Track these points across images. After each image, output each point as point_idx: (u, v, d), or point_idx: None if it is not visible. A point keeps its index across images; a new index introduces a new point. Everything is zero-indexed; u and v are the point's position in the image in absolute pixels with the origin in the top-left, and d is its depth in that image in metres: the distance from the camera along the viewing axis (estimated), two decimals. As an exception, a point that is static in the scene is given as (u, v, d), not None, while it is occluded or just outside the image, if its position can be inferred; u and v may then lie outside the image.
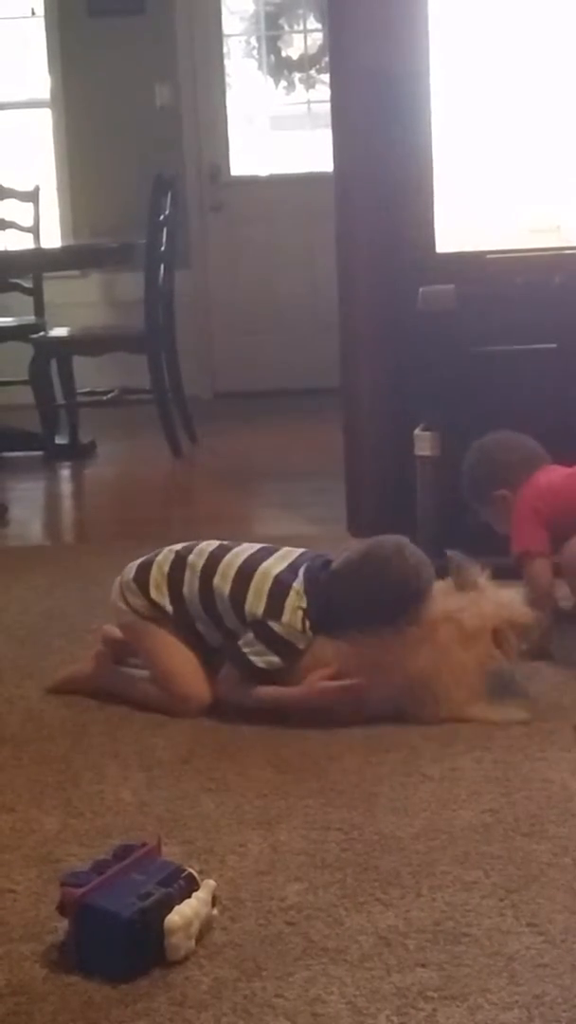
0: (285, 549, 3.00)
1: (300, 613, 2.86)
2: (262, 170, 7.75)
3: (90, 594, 3.93)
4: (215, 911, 2.09)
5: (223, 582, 2.92)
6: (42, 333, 6.42)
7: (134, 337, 6.10)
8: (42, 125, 7.80)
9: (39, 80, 7.78)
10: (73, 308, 7.12)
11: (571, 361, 3.81)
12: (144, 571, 3.03)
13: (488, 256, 3.88)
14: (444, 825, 2.41)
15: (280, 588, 2.88)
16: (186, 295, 6.82)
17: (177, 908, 2.01)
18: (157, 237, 6.08)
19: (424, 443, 3.91)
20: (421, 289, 3.85)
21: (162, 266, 6.16)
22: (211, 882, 2.11)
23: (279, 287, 7.55)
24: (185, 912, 2.01)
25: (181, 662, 2.97)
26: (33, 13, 7.73)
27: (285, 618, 2.86)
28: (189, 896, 2.05)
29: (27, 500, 5.55)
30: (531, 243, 3.88)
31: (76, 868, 2.15)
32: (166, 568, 3.00)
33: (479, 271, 3.86)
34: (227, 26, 7.71)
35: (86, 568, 4.25)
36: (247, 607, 2.88)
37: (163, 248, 6.13)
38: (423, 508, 3.90)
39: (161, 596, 2.99)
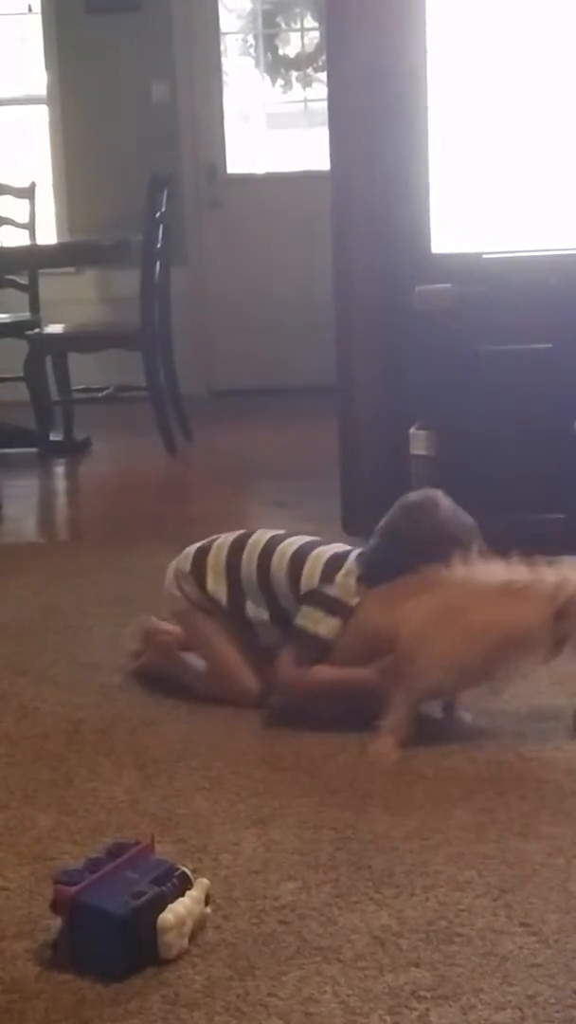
0: (334, 543, 3.04)
1: (352, 578, 2.88)
2: (259, 168, 7.75)
3: (84, 591, 3.94)
4: (208, 910, 2.09)
5: (280, 562, 2.95)
6: (37, 330, 6.41)
7: (130, 334, 6.10)
8: (39, 121, 7.80)
9: (36, 76, 7.77)
10: (69, 305, 7.12)
11: (566, 361, 3.81)
12: (200, 560, 3.05)
13: (484, 256, 3.88)
14: (438, 824, 2.41)
15: (333, 562, 2.92)
16: (182, 292, 6.82)
17: (170, 906, 2.01)
18: (153, 234, 6.07)
19: (420, 442, 3.92)
20: (417, 288, 3.85)
21: (158, 263, 6.15)
22: (204, 881, 2.11)
23: (275, 285, 7.55)
24: (178, 910, 2.01)
25: (236, 654, 3.01)
26: (30, 10, 7.72)
27: (338, 581, 2.88)
28: (182, 895, 2.05)
29: (21, 497, 5.55)
30: (527, 243, 3.88)
31: (69, 866, 2.15)
32: (223, 555, 3.03)
33: (475, 271, 3.86)
34: (224, 24, 7.70)
35: (81, 565, 4.25)
36: (303, 582, 2.91)
37: (159, 245, 6.13)
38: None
39: (218, 584, 3.01)
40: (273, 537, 3.03)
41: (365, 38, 4.03)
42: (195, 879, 2.10)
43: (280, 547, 2.98)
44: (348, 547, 3.02)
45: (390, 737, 2.73)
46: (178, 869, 2.09)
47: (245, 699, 2.98)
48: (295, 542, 3.01)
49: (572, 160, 3.84)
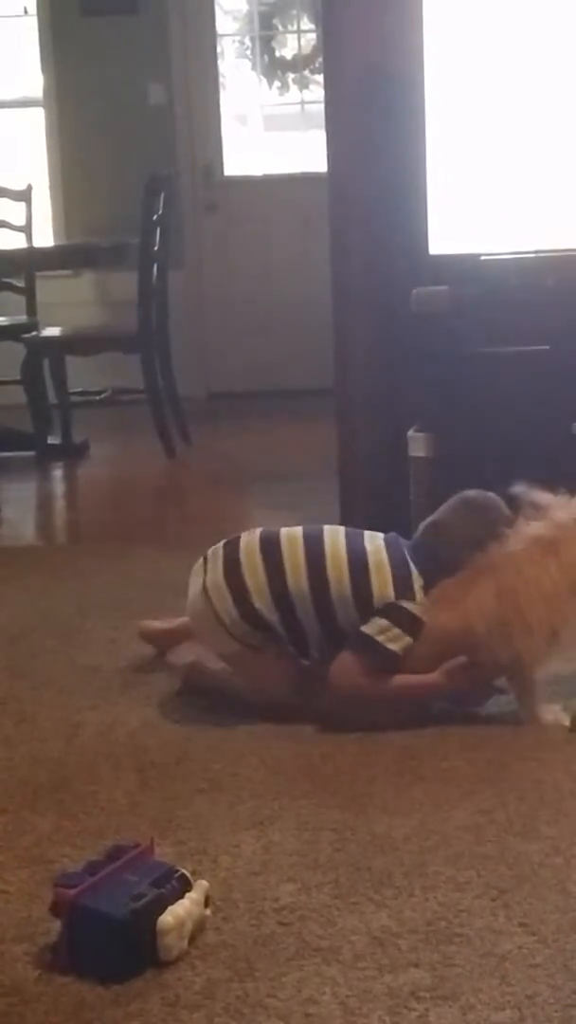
0: (367, 532, 2.98)
1: (423, 591, 2.86)
2: (256, 170, 7.75)
3: (83, 595, 3.94)
4: (208, 911, 2.10)
5: (339, 582, 2.86)
6: (35, 333, 6.42)
7: (127, 337, 6.10)
8: (35, 124, 7.80)
9: (32, 79, 7.78)
10: (66, 308, 7.12)
11: (564, 363, 3.81)
12: (241, 590, 2.90)
13: (482, 258, 3.88)
14: (437, 825, 2.42)
15: (403, 572, 2.86)
16: (180, 295, 6.83)
17: (170, 909, 2.01)
18: (151, 237, 6.08)
19: (418, 444, 3.92)
20: (415, 290, 3.85)
21: (155, 266, 6.16)
22: (204, 883, 2.11)
23: (273, 287, 7.55)
24: (178, 912, 2.02)
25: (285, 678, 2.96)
26: (26, 12, 7.73)
27: (418, 596, 2.84)
28: (182, 897, 2.05)
29: (19, 500, 5.56)
30: (525, 245, 3.89)
31: (69, 869, 2.16)
32: (261, 576, 2.90)
33: (473, 273, 3.87)
34: (220, 26, 7.71)
35: (79, 569, 4.25)
36: (375, 596, 2.84)
37: (156, 248, 6.14)
38: (417, 509, 3.90)
39: (262, 599, 2.89)
40: (309, 551, 2.90)
41: (362, 40, 4.03)
42: (194, 881, 2.10)
43: (329, 561, 2.88)
44: (379, 537, 2.95)
45: (544, 710, 2.80)
46: (177, 871, 2.10)
47: (283, 703, 2.93)
48: (337, 549, 2.90)
49: (569, 161, 3.84)
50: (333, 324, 4.31)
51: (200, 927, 2.07)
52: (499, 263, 3.88)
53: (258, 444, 6.35)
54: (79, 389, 6.55)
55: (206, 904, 2.09)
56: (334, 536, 2.95)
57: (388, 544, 2.94)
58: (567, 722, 2.80)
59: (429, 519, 3.02)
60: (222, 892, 2.20)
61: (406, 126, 3.89)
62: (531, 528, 2.82)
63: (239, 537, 3.00)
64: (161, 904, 2.01)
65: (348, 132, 4.13)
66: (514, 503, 2.93)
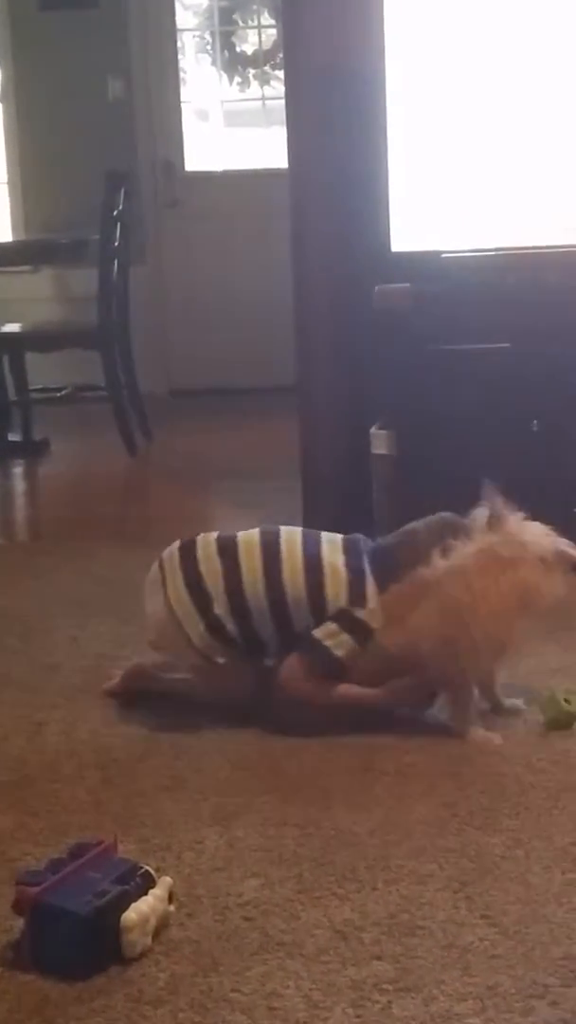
0: (326, 535, 2.94)
1: (377, 600, 2.84)
2: (217, 166, 7.74)
3: (44, 593, 3.93)
4: (172, 908, 2.10)
5: (295, 586, 2.84)
6: (-6, 329, 6.39)
7: (88, 333, 6.08)
8: (-6, 120, 7.77)
9: (-8, 75, 7.75)
10: (25, 304, 7.09)
11: (525, 360, 3.83)
12: (204, 603, 2.88)
13: (443, 255, 3.90)
14: (399, 819, 2.43)
15: (357, 578, 2.84)
16: (141, 291, 6.81)
17: (133, 905, 2.02)
18: (111, 232, 6.06)
19: (381, 441, 3.93)
20: (376, 288, 3.86)
21: (116, 262, 6.15)
22: (167, 879, 2.12)
23: (234, 283, 7.55)
24: (141, 909, 2.02)
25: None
26: (-16, 7, 7.70)
27: (370, 604, 2.83)
28: (145, 893, 2.05)
29: (-19, 498, 5.54)
30: (486, 243, 3.91)
31: (32, 867, 2.16)
32: (220, 585, 2.87)
33: (434, 270, 3.88)
34: (180, 21, 7.70)
35: (40, 567, 4.24)
36: (328, 601, 2.83)
37: (117, 244, 6.12)
38: (380, 506, 3.92)
39: (224, 613, 2.87)
40: (266, 557, 2.87)
41: (323, 36, 4.04)
42: (158, 877, 2.10)
43: (286, 566, 2.86)
44: (338, 540, 2.92)
45: (475, 726, 2.79)
46: (141, 868, 2.10)
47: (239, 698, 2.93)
48: (294, 553, 2.87)
49: (529, 160, 3.86)
50: (295, 321, 4.31)
51: (164, 923, 2.07)
52: (460, 261, 3.90)
53: (220, 441, 6.35)
54: (39, 386, 6.53)
55: (170, 900, 2.10)
56: (291, 540, 2.92)
57: (346, 548, 2.91)
58: (498, 740, 2.76)
59: (402, 529, 2.99)
60: (186, 888, 2.20)
61: (367, 123, 3.89)
62: (482, 544, 2.80)
63: (194, 543, 2.94)
64: (124, 901, 2.01)
65: (309, 128, 4.14)
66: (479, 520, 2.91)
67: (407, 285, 3.86)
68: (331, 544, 2.91)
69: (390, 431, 3.92)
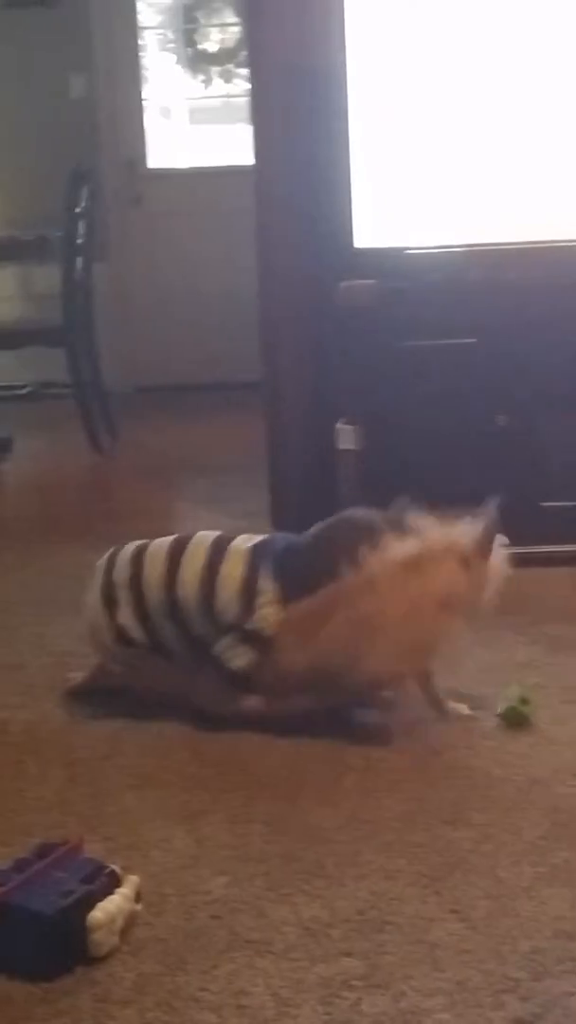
0: (234, 545, 2.90)
1: (271, 608, 2.81)
2: (180, 163, 7.73)
3: (8, 591, 3.91)
4: (139, 907, 2.09)
5: (188, 594, 2.84)
6: (-42, 327, 6.36)
7: (52, 331, 6.06)
8: (-43, 118, 7.73)
9: (-47, 72, 7.70)
10: (-11, 302, 7.07)
11: (489, 356, 3.84)
12: (112, 609, 2.91)
13: (407, 252, 3.90)
14: (367, 815, 2.42)
15: (249, 588, 2.82)
16: (105, 288, 6.80)
17: (100, 904, 2.00)
18: (74, 230, 6.04)
19: (346, 437, 3.93)
20: (341, 284, 3.86)
21: (80, 259, 6.12)
22: (134, 878, 2.10)
23: (199, 280, 7.54)
24: (108, 908, 2.00)
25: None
26: (-55, 4, 7.66)
27: (257, 615, 2.80)
28: (112, 892, 2.04)
29: (-55, 497, 5.51)
30: (450, 238, 3.91)
31: (-3, 866, 2.14)
32: (130, 604, 2.89)
33: (398, 266, 3.88)
34: (143, 18, 7.68)
35: (4, 565, 4.22)
36: (218, 611, 2.82)
37: (80, 241, 6.10)
38: (345, 502, 3.91)
39: (128, 622, 2.89)
40: (169, 563, 2.87)
41: (285, 34, 4.03)
42: (125, 876, 2.09)
43: (182, 573, 2.85)
44: (247, 546, 2.88)
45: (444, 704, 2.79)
46: (107, 867, 2.08)
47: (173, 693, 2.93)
48: (194, 560, 2.86)
49: (492, 155, 3.86)
50: (260, 318, 4.31)
51: (131, 922, 2.06)
52: (425, 257, 3.90)
53: (185, 438, 6.34)
54: (3, 383, 6.50)
55: (137, 899, 2.08)
56: (196, 549, 2.89)
57: (250, 557, 2.86)
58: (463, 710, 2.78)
59: (313, 531, 2.96)
60: (153, 887, 2.19)
61: (330, 119, 3.89)
62: (394, 550, 2.75)
63: (118, 550, 2.97)
64: (91, 900, 2.00)
65: (272, 125, 4.13)
66: (397, 524, 2.84)
67: (372, 281, 3.86)
68: (236, 554, 2.87)
69: (355, 426, 3.92)
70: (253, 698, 2.84)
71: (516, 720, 2.79)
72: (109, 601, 2.92)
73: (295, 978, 1.93)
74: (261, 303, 4.28)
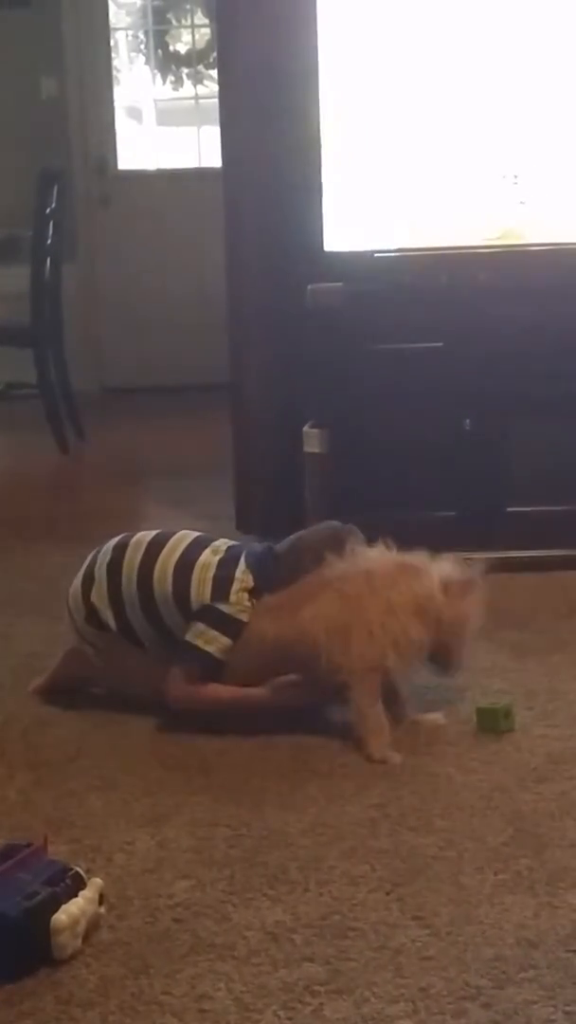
0: (213, 544, 2.94)
1: (245, 594, 2.84)
2: (150, 165, 7.72)
3: (-25, 591, 3.90)
4: (102, 909, 2.09)
5: (163, 581, 2.88)
6: None
7: (20, 331, 6.03)
8: None
9: None
10: (-43, 301, 7.02)
11: (456, 360, 3.85)
12: (87, 586, 2.95)
13: (376, 255, 3.90)
14: (331, 820, 2.42)
15: (224, 574, 2.86)
16: (73, 289, 6.77)
17: (63, 907, 2.00)
18: (43, 230, 6.02)
19: (313, 440, 3.93)
20: (309, 287, 3.86)
21: (48, 260, 6.10)
22: (98, 880, 2.10)
23: (168, 282, 7.52)
24: (71, 911, 2.00)
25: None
26: None
27: (233, 598, 2.83)
28: (76, 895, 2.04)
29: None
30: (418, 242, 3.92)
31: (-39, 868, 2.13)
32: (104, 587, 2.93)
33: (367, 270, 3.88)
34: (114, 20, 7.66)
35: (-29, 565, 4.20)
36: (192, 598, 2.85)
37: (50, 242, 6.08)
38: (312, 505, 3.92)
39: (103, 605, 2.92)
40: (146, 554, 2.92)
41: (256, 35, 4.03)
42: (89, 879, 2.09)
43: (157, 569, 2.89)
44: (226, 545, 2.94)
45: (378, 739, 2.72)
46: (71, 869, 2.08)
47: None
48: (172, 553, 2.91)
49: (462, 160, 3.87)
50: (228, 320, 4.30)
51: (94, 925, 2.06)
52: (393, 260, 3.91)
53: (152, 440, 6.32)
54: (-30, 384, 6.46)
55: (100, 902, 2.08)
56: (177, 543, 2.94)
57: (228, 549, 2.93)
58: (395, 755, 2.70)
59: (291, 537, 2.99)
60: (117, 890, 2.18)
61: (301, 122, 3.89)
62: (383, 553, 2.84)
63: (113, 540, 3.02)
64: (54, 903, 2.00)
65: (242, 128, 4.12)
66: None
67: (340, 284, 3.86)
68: (213, 549, 2.92)
69: (322, 429, 3.93)
70: (226, 688, 2.84)
71: (489, 725, 2.79)
72: (87, 582, 2.96)
73: (257, 983, 1.93)
74: (229, 305, 4.28)
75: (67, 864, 2.10)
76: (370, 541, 2.89)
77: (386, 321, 3.86)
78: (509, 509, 3.89)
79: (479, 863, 2.25)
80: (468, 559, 2.91)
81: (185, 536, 2.98)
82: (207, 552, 2.91)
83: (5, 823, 2.44)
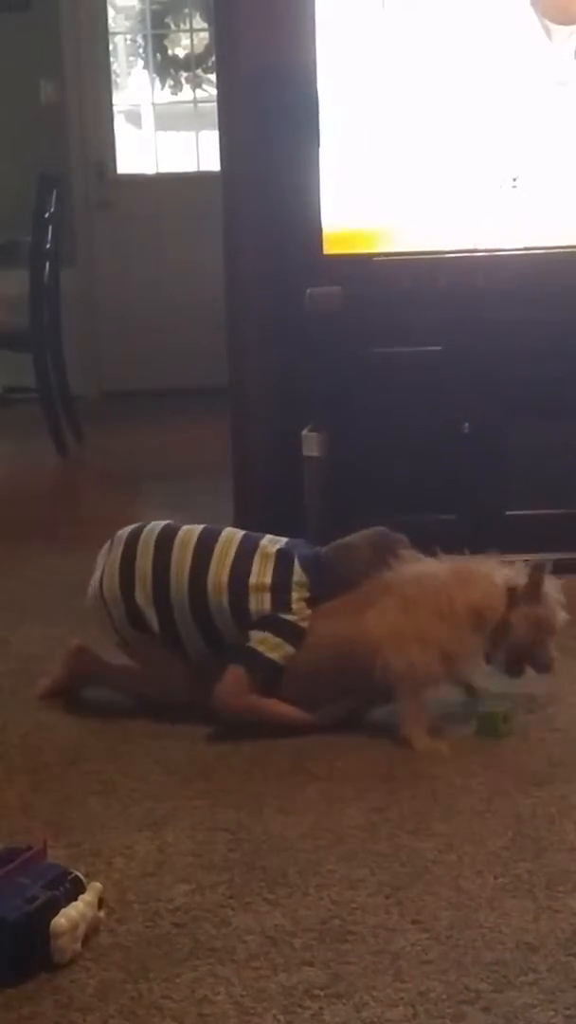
0: (263, 544, 2.92)
1: (304, 602, 2.85)
2: (149, 168, 7.72)
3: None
4: (102, 913, 2.09)
5: (217, 594, 2.86)
6: None
7: (19, 335, 6.04)
8: None
9: None
10: (-44, 305, 7.02)
11: (455, 363, 3.85)
12: (129, 586, 2.91)
13: (375, 258, 3.90)
14: (331, 824, 2.42)
15: (282, 583, 2.85)
16: (72, 293, 6.77)
17: (63, 911, 2.00)
18: (42, 234, 6.03)
19: (312, 444, 3.93)
20: (308, 290, 3.86)
21: (47, 264, 6.11)
22: (97, 884, 2.10)
23: (166, 286, 7.52)
24: (71, 915, 2.00)
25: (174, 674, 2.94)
26: None
27: (295, 607, 2.83)
28: (75, 899, 2.04)
29: None
30: (417, 246, 3.92)
31: (-40, 872, 2.13)
32: (149, 589, 2.89)
33: (366, 273, 3.88)
34: (113, 24, 7.67)
35: (-30, 569, 4.20)
36: (252, 610, 2.84)
37: (48, 246, 6.09)
38: (311, 508, 3.92)
39: (146, 602, 2.89)
40: (196, 557, 2.89)
41: (254, 39, 4.03)
42: (88, 883, 2.09)
43: (211, 574, 2.86)
44: (275, 547, 2.91)
45: (423, 733, 2.75)
46: (71, 873, 2.08)
47: (177, 701, 2.92)
48: (223, 561, 2.88)
49: (461, 163, 3.87)
50: (227, 323, 4.30)
51: (94, 929, 2.06)
52: (392, 264, 3.91)
53: (151, 443, 6.32)
54: (-31, 388, 6.47)
55: (100, 906, 2.08)
56: (226, 546, 2.92)
57: (279, 557, 2.90)
58: (446, 750, 2.74)
59: (340, 541, 2.99)
60: (116, 894, 2.18)
61: (300, 125, 3.89)
62: (438, 561, 2.87)
63: (142, 528, 2.99)
64: (54, 906, 2.00)
65: (241, 131, 4.13)
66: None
67: (338, 288, 3.86)
68: (263, 557, 2.90)
69: (321, 433, 3.92)
70: (278, 703, 2.83)
71: (489, 730, 2.79)
72: (127, 579, 2.90)
73: (257, 987, 1.93)
74: (228, 309, 4.28)
75: (67, 868, 2.10)
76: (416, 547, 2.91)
77: (385, 325, 3.86)
78: (508, 512, 3.89)
79: (479, 867, 2.25)
80: (535, 560, 2.91)
81: (232, 538, 2.94)
82: (258, 559, 2.89)
83: (5, 827, 2.44)
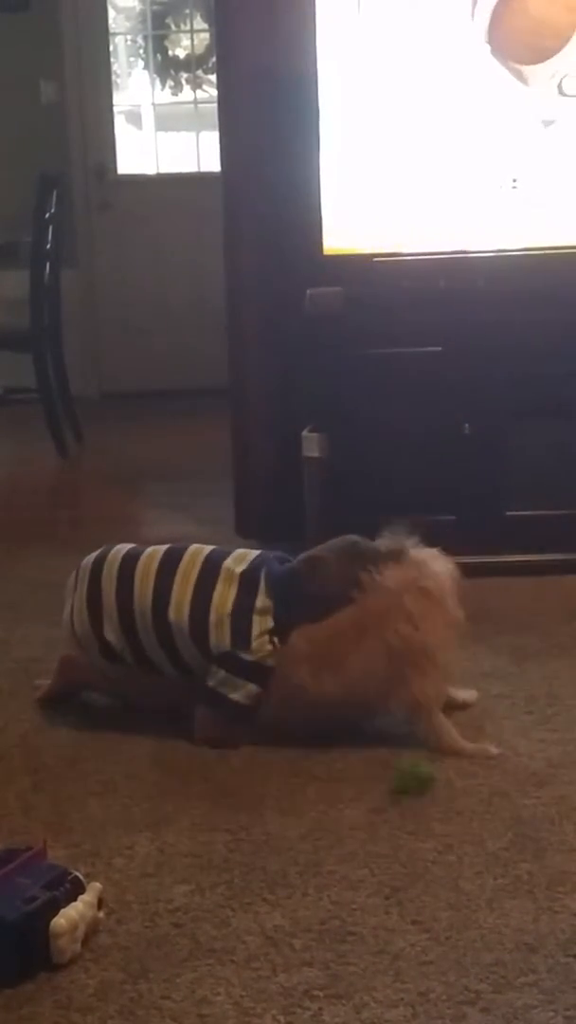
0: (226, 566, 2.82)
1: (266, 637, 2.76)
2: (149, 169, 7.72)
3: (-26, 596, 3.90)
4: (101, 914, 2.09)
5: (179, 618, 2.78)
6: None
7: (19, 336, 6.04)
8: None
9: None
10: (-43, 306, 7.03)
11: (456, 364, 3.85)
12: (97, 622, 2.86)
13: (375, 259, 3.91)
14: (330, 825, 2.42)
15: (242, 612, 2.76)
16: (72, 294, 6.78)
17: (63, 911, 2.00)
18: (43, 235, 6.03)
19: (312, 444, 3.93)
20: (309, 291, 3.86)
21: (48, 265, 6.11)
22: (97, 885, 2.10)
23: (166, 286, 7.53)
24: (71, 915, 2.00)
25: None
26: None
27: (254, 645, 2.75)
28: (75, 899, 2.04)
29: None
30: (417, 246, 3.92)
31: (-40, 873, 2.13)
32: (116, 623, 2.84)
33: (366, 273, 3.88)
34: (113, 24, 7.67)
35: (-30, 569, 4.20)
36: (212, 641, 2.76)
37: (49, 246, 6.09)
38: (311, 509, 3.92)
39: (115, 637, 2.84)
40: (158, 581, 2.81)
41: (255, 40, 4.03)
42: (88, 883, 2.09)
43: (174, 597, 2.78)
44: (240, 567, 2.80)
45: (463, 740, 2.72)
46: (71, 873, 2.08)
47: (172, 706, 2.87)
48: (186, 583, 2.79)
49: (461, 164, 3.88)
50: (227, 324, 4.30)
51: (93, 929, 2.06)
52: (392, 264, 3.91)
53: (151, 444, 6.32)
54: (-31, 388, 6.46)
55: (99, 906, 2.08)
56: (189, 567, 2.82)
57: (243, 575, 2.79)
58: (495, 750, 2.70)
59: (308, 553, 2.89)
60: (116, 894, 2.18)
61: (300, 126, 3.90)
62: (403, 577, 2.77)
63: (105, 557, 2.91)
64: (54, 907, 2.00)
65: (241, 132, 4.13)
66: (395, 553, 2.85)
67: (339, 289, 3.86)
68: (227, 576, 2.80)
69: (321, 434, 3.92)
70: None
71: (417, 784, 2.58)
72: (95, 614, 2.86)
73: (257, 987, 1.93)
74: (228, 309, 4.28)
75: (66, 868, 2.10)
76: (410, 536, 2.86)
77: (385, 325, 3.86)
78: (508, 513, 3.89)
79: (478, 867, 2.25)
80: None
81: (196, 557, 2.85)
82: (221, 582, 2.79)
83: (4, 827, 2.44)
